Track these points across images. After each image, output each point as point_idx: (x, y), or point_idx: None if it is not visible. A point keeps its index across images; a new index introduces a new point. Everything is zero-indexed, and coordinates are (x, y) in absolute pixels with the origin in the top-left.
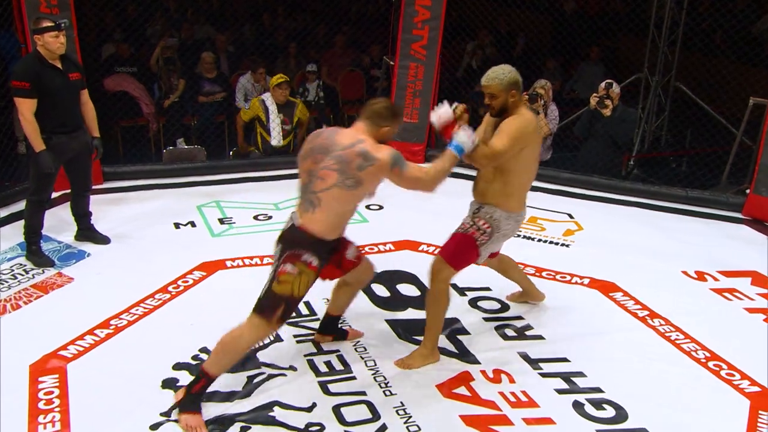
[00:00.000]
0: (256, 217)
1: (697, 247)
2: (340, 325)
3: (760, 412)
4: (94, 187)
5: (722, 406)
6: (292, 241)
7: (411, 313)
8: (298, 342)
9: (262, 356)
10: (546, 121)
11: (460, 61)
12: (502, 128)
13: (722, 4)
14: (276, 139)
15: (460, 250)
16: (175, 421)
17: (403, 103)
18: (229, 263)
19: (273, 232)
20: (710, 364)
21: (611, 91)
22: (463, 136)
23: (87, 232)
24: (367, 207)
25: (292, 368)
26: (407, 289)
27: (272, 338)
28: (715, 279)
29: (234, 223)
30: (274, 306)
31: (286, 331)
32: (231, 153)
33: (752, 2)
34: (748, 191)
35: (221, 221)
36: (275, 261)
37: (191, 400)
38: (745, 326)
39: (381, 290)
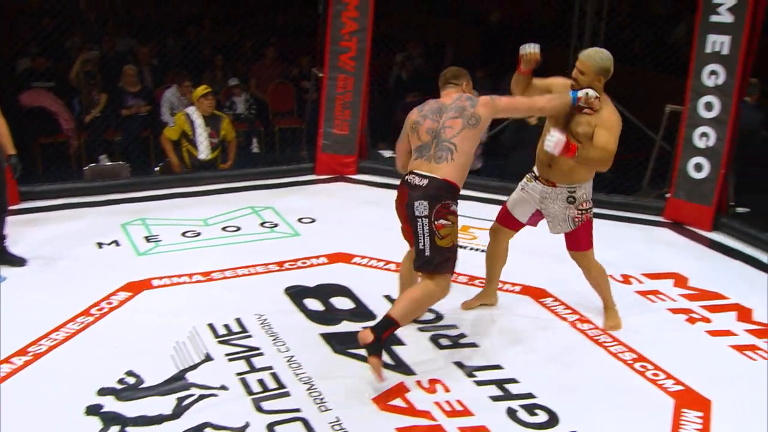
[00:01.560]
0: (184, 234)
1: (622, 251)
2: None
3: (683, 410)
4: (9, 207)
5: (648, 406)
6: (438, 194)
7: (345, 326)
8: (230, 360)
9: (191, 377)
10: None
11: (390, 72)
12: (605, 125)
13: (639, 14)
14: (204, 152)
15: (587, 234)
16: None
17: (333, 115)
18: (156, 282)
19: (202, 249)
20: (637, 365)
21: None
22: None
23: (1, 255)
24: (299, 220)
25: (224, 387)
26: (341, 302)
27: (202, 358)
28: (640, 281)
29: (161, 240)
30: (447, 259)
31: (217, 349)
32: (157, 168)
33: (668, 13)
34: (668, 195)
35: (147, 239)
36: (422, 219)
37: (379, 346)
38: (669, 327)
39: (314, 304)
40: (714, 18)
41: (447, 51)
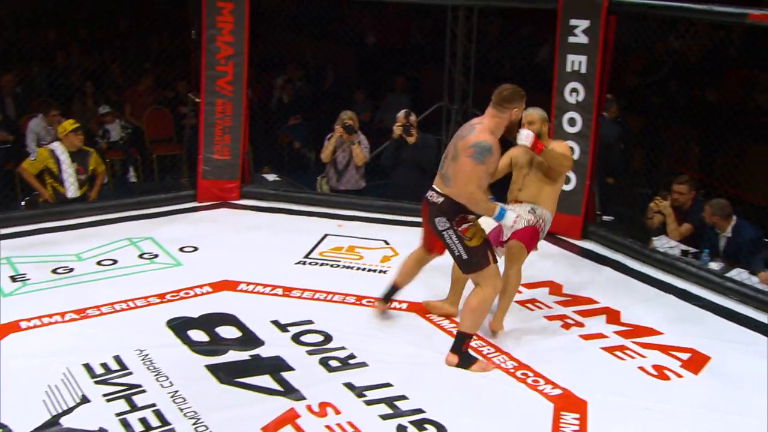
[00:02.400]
0: (54, 271)
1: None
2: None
3: (561, 413)
4: None
5: (530, 412)
6: (453, 210)
7: (232, 356)
8: (108, 401)
9: (66, 421)
10: (360, 150)
11: (271, 95)
12: (556, 148)
13: (507, 36)
14: (71, 191)
15: (532, 238)
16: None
17: (213, 141)
18: (24, 324)
19: (76, 286)
20: (518, 373)
21: (411, 119)
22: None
23: None
24: (181, 249)
25: (103, 430)
26: (227, 331)
27: (77, 400)
28: (519, 291)
29: (29, 279)
30: (483, 254)
31: (94, 390)
32: (23, 203)
33: (533, 35)
34: None
35: (13, 279)
36: (447, 231)
37: (467, 356)
38: (547, 334)
39: (199, 335)
40: (572, 39)
41: (327, 74)
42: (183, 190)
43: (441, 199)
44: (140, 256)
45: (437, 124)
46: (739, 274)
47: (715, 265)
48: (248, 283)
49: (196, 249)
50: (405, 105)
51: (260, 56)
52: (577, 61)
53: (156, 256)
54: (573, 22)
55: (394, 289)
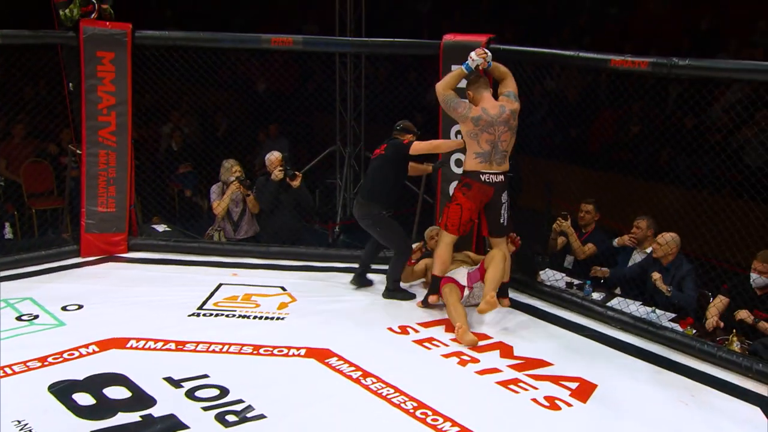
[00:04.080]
0: None
1: (399, 304)
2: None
3: None
4: None
5: None
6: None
7: (122, 418)
8: None
9: None
10: (254, 197)
11: (159, 143)
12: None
13: (395, 79)
14: None
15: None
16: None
17: (96, 193)
18: None
19: None
20: (418, 413)
21: (280, 161)
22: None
23: None
24: (64, 308)
25: None
26: (116, 392)
27: None
28: (416, 331)
29: None
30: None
31: None
32: None
33: (420, 76)
34: None
35: None
36: (505, 203)
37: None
38: (444, 371)
39: (85, 399)
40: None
41: (219, 120)
42: (65, 246)
43: (503, 177)
44: (18, 318)
45: (332, 167)
46: (619, 303)
47: (597, 296)
48: (138, 339)
49: (80, 307)
50: (284, 149)
51: (147, 104)
52: None
53: (36, 317)
54: (453, 67)
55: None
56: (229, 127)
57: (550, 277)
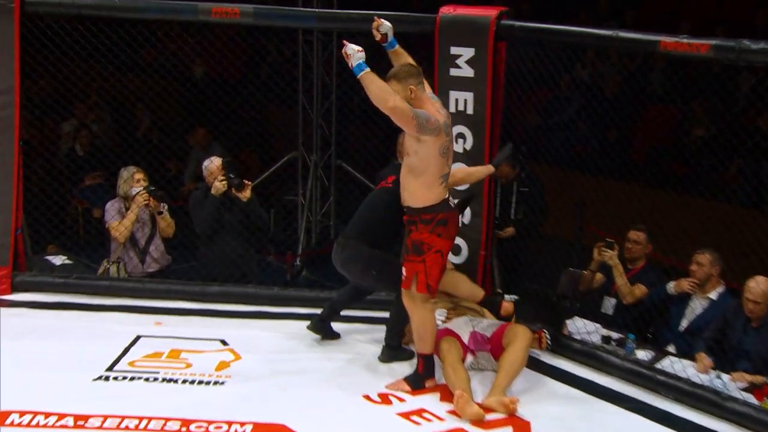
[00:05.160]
0: None
1: (375, 365)
2: None
3: None
4: None
5: None
6: None
7: None
8: None
9: None
10: (169, 217)
11: (58, 146)
12: None
13: (375, 64)
14: None
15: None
16: None
17: None
18: None
19: None
20: None
21: (221, 168)
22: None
23: None
24: None
25: None
26: None
27: None
28: (401, 400)
29: None
30: None
31: None
32: None
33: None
34: None
35: None
36: None
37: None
38: None
39: None
40: (454, 72)
41: (141, 115)
42: None
43: None
44: None
45: (291, 180)
46: (673, 365)
47: (643, 355)
48: (23, 413)
49: None
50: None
51: (43, 94)
52: (462, 99)
53: None
54: (454, 50)
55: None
56: (154, 124)
57: (581, 328)
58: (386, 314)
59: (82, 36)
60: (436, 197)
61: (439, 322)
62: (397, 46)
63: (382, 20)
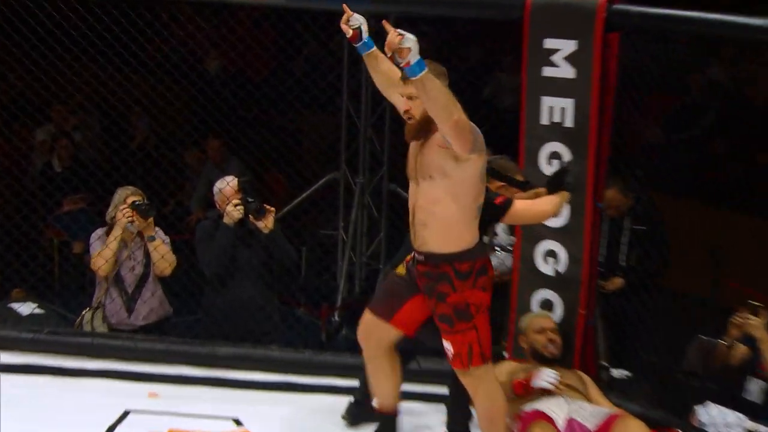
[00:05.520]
0: None
1: None
2: None
3: None
4: None
5: None
6: None
7: None
8: None
9: None
10: (166, 249)
11: (30, 161)
12: None
13: (444, 62)
14: None
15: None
16: None
17: None
18: None
19: None
20: None
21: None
22: None
23: None
24: None
25: None
26: None
27: None
28: None
29: None
30: None
31: None
32: None
33: (487, 56)
34: (504, 353)
35: None
36: None
37: None
38: None
39: None
40: (548, 71)
41: (137, 121)
42: None
43: None
44: None
45: (330, 208)
46: None
47: None
48: None
49: None
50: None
51: (12, 93)
52: (558, 108)
53: None
54: (549, 43)
55: None
56: (153, 132)
57: (717, 417)
58: (444, 390)
59: (65, 19)
60: (472, 238)
61: (546, 384)
62: (375, 48)
63: (353, 12)
